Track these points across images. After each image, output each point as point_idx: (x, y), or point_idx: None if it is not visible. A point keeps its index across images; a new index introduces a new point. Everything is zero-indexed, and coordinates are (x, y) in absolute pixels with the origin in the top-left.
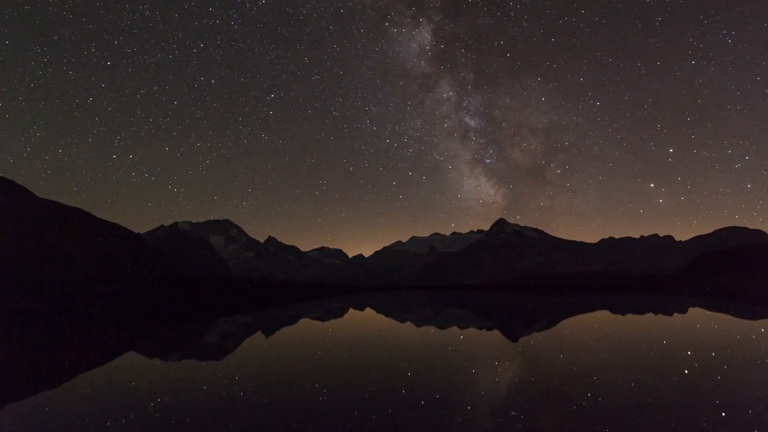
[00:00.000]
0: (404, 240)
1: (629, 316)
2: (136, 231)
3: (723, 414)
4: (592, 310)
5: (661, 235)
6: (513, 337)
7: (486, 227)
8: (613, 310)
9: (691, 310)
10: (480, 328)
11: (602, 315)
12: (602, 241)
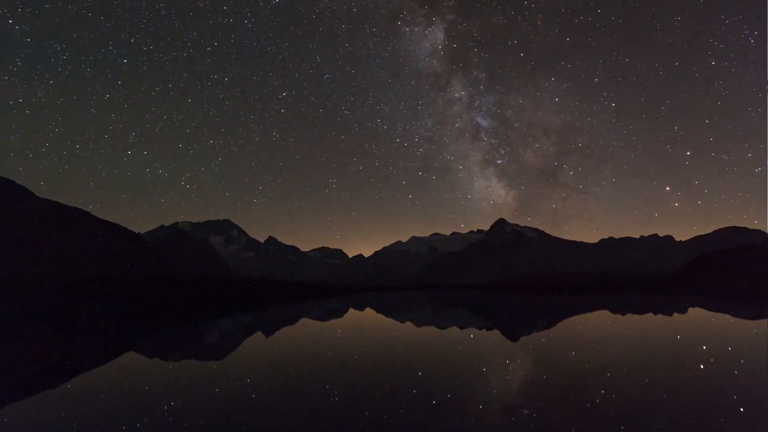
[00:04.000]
0: (404, 240)
1: (629, 316)
2: (136, 231)
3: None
4: (592, 310)
5: (661, 235)
6: (513, 337)
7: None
8: (613, 310)
9: (690, 310)
10: (480, 328)
11: (602, 315)
12: (602, 241)
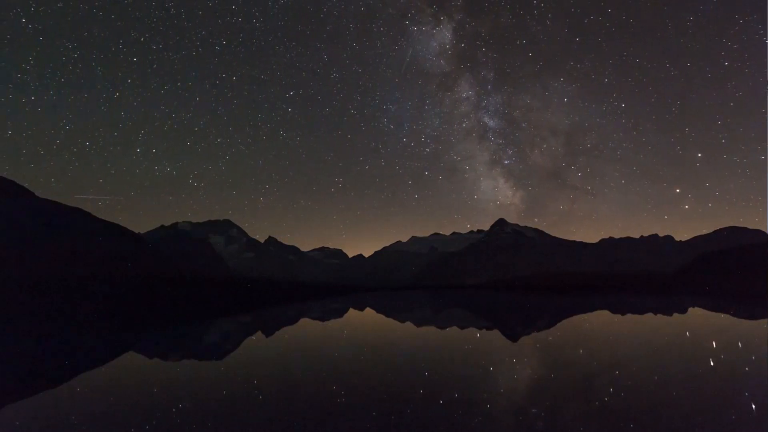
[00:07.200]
0: (404, 240)
1: (629, 316)
2: (136, 231)
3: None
4: (592, 310)
5: (661, 235)
6: (513, 338)
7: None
8: (613, 310)
9: (690, 310)
10: (480, 328)
11: (602, 315)
12: (602, 241)
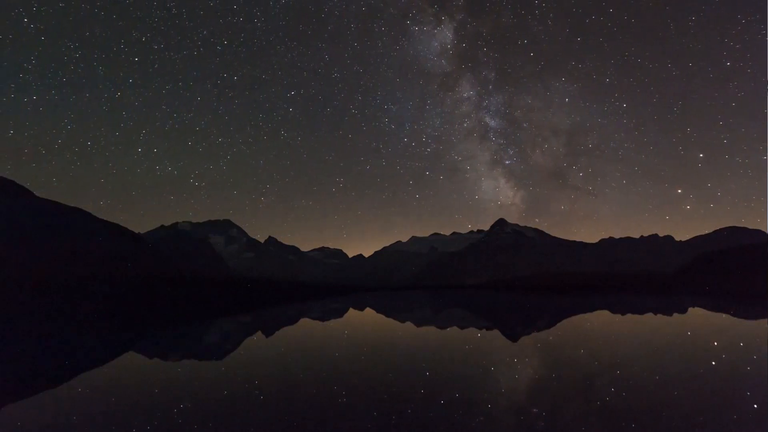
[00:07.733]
0: (404, 240)
1: (629, 316)
2: (136, 231)
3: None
4: (592, 310)
5: (661, 235)
6: (513, 338)
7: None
8: (613, 310)
9: (690, 310)
10: (480, 328)
11: (602, 315)
12: (602, 241)
